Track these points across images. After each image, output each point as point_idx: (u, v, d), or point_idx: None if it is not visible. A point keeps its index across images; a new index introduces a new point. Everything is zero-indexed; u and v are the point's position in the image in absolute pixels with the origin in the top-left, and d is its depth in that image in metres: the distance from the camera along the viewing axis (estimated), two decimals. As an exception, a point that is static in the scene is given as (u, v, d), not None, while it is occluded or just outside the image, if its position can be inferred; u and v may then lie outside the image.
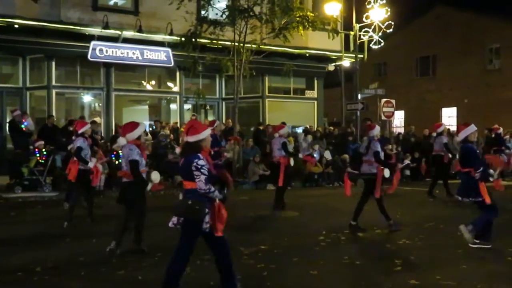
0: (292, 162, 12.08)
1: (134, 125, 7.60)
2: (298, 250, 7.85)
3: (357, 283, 6.14)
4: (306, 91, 23.01)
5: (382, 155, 9.51)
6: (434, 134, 14.76)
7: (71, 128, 14.37)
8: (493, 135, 19.74)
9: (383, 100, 21.87)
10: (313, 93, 22.86)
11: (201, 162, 5.24)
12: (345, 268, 6.87)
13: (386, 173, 9.33)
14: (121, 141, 7.61)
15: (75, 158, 9.86)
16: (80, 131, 10.00)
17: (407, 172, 19.12)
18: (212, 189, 5.26)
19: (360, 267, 6.91)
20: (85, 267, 6.77)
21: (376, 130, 9.62)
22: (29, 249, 7.89)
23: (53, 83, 17.67)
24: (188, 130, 5.38)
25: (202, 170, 5.20)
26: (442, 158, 13.94)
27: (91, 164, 9.94)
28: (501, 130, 19.71)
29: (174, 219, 5.41)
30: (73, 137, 10.28)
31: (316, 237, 8.69)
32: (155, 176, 7.50)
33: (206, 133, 5.42)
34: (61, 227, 9.55)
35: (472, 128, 8.05)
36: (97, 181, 10.68)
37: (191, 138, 5.33)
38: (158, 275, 6.44)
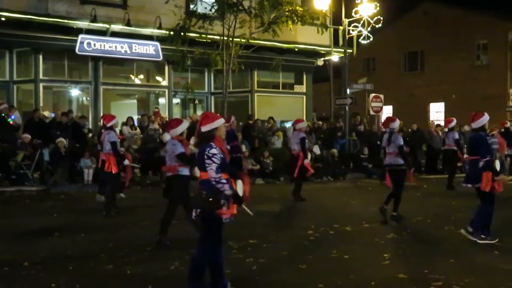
0: (308, 158, 12.59)
1: (178, 121, 7.97)
2: (287, 244, 7.87)
3: (346, 277, 6.16)
4: (295, 85, 23.02)
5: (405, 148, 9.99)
6: (446, 130, 15.12)
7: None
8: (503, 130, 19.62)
9: (372, 95, 21.92)
10: (302, 88, 22.88)
11: (213, 150, 5.17)
12: (334, 262, 6.90)
13: None
14: (166, 136, 8.06)
15: (108, 152, 9.98)
16: (108, 125, 10.16)
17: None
18: (224, 180, 5.12)
19: (348, 261, 6.93)
20: (73, 262, 6.74)
21: (397, 123, 9.86)
22: (16, 243, 7.83)
23: (41, 76, 17.53)
24: (202, 120, 5.34)
25: (213, 159, 5.13)
26: (454, 152, 14.14)
27: (126, 162, 10.60)
28: (508, 124, 19.49)
29: (195, 211, 5.38)
30: (102, 131, 10.59)
31: (305, 232, 8.71)
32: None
33: (220, 122, 5.35)
34: (49, 220, 9.49)
35: (487, 117, 8.09)
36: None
37: (205, 128, 5.29)
38: (146, 269, 6.45)
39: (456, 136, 14.36)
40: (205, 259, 5.27)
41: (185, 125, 7.91)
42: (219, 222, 5.23)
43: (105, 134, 10.15)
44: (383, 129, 11.65)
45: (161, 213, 7.60)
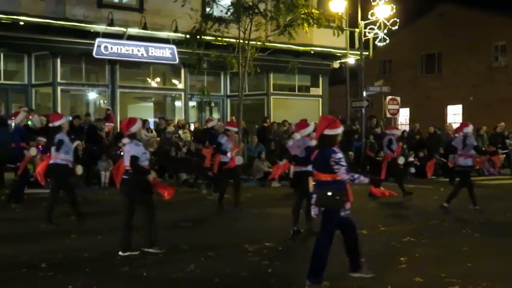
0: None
1: (306, 123, 8.78)
2: (302, 247, 7.84)
3: (362, 280, 6.13)
4: (311, 88, 22.96)
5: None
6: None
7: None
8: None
9: (388, 97, 21.80)
10: (318, 91, 22.83)
11: (339, 155, 5.64)
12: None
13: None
14: (296, 135, 8.78)
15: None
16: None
17: (412, 170, 19.11)
18: (356, 175, 5.72)
19: (364, 264, 6.88)
20: (89, 263, 6.79)
21: (470, 128, 11.41)
22: (34, 245, 7.90)
23: (58, 80, 17.73)
24: (329, 124, 5.72)
25: (341, 163, 5.59)
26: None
27: (229, 155, 11.01)
28: None
29: (316, 209, 5.79)
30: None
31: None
32: None
33: (342, 129, 5.86)
34: (66, 222, 9.56)
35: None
36: None
37: (330, 132, 5.67)
38: (162, 272, 6.48)
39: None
40: (327, 247, 5.78)
41: (311, 127, 8.65)
42: (338, 218, 5.79)
43: (221, 137, 10.97)
44: (455, 134, 12.77)
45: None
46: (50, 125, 9.85)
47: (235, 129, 12.35)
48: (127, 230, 7.37)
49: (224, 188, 11.42)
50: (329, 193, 5.63)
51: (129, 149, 7.35)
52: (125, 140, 7.49)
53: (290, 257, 7.25)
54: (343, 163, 5.59)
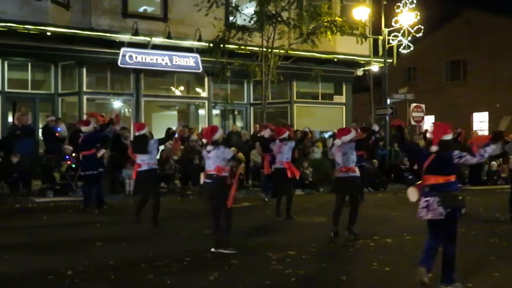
0: None
1: (348, 130, 9.45)
2: (326, 256, 7.81)
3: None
4: (334, 96, 22.89)
5: None
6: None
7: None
8: None
9: (413, 105, 21.62)
10: (342, 98, 22.74)
11: (456, 152, 6.11)
12: (375, 275, 6.80)
13: None
14: (337, 142, 9.19)
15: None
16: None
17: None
18: (482, 152, 6.03)
19: (389, 274, 6.83)
20: (114, 271, 6.84)
21: None
22: (60, 252, 8.00)
23: (84, 89, 17.98)
24: (445, 131, 6.16)
25: (462, 155, 6.03)
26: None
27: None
28: None
29: (442, 210, 6.00)
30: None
31: (345, 243, 8.63)
32: None
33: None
34: (92, 230, 9.67)
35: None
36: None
37: (447, 137, 6.13)
38: (186, 279, 6.49)
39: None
40: (455, 246, 6.13)
41: (353, 134, 9.33)
42: (460, 215, 6.15)
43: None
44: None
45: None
46: (136, 133, 10.60)
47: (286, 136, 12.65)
48: (215, 231, 7.97)
49: (287, 194, 11.73)
50: (454, 194, 6.05)
51: (215, 155, 7.89)
52: (209, 147, 8.02)
53: (314, 266, 7.21)
54: (463, 153, 6.04)
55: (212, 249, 7.82)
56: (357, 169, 9.29)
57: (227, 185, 7.87)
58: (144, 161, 10.01)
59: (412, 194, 6.28)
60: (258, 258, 7.60)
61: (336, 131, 20.21)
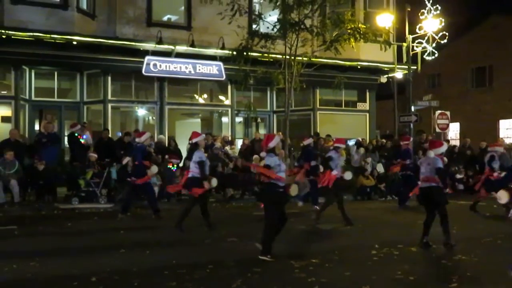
0: None
1: (441, 143, 9.44)
2: (349, 264, 7.75)
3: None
4: (358, 103, 22.79)
5: None
6: None
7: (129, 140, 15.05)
8: None
9: (438, 112, 21.40)
10: (365, 105, 22.62)
11: None
12: (398, 284, 6.73)
13: None
14: (430, 153, 9.17)
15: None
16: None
17: (461, 187, 18.70)
18: None
19: (414, 283, 6.75)
20: (138, 278, 6.88)
21: None
22: (85, 259, 8.08)
23: (109, 97, 18.20)
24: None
25: None
26: None
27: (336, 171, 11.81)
28: None
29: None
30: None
31: (368, 252, 8.56)
32: None
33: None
34: (116, 237, 9.75)
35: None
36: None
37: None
38: (209, 287, 6.49)
39: None
40: None
41: (444, 147, 9.38)
42: None
43: (330, 152, 12.09)
44: None
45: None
46: (190, 141, 11.17)
47: (344, 146, 13.17)
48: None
49: (331, 202, 11.90)
50: None
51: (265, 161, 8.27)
52: (262, 154, 8.71)
53: (337, 274, 7.16)
54: None
55: (268, 257, 7.87)
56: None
57: (278, 194, 8.12)
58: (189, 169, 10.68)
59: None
60: (281, 266, 7.57)
61: (360, 138, 20.20)
